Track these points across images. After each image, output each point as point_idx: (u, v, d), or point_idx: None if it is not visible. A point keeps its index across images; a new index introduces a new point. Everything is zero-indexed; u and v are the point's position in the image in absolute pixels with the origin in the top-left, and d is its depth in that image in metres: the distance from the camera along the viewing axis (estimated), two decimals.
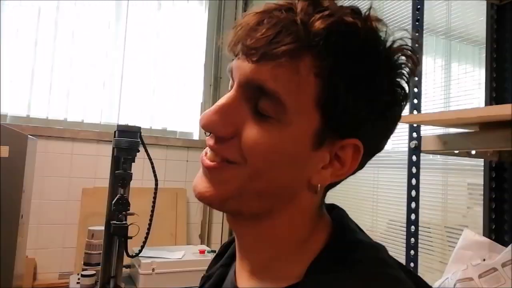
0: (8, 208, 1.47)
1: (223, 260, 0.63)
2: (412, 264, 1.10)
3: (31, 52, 2.61)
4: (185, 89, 3.12)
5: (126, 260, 1.78)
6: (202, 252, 1.90)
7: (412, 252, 1.10)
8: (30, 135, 1.80)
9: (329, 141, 0.45)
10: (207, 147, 0.49)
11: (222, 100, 0.45)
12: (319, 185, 0.47)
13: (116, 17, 2.88)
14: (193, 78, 3.17)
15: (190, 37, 3.15)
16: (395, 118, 0.48)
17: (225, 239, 2.93)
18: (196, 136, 3.13)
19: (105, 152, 2.70)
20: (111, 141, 2.75)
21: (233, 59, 0.47)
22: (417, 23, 1.35)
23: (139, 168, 1.79)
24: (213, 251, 1.96)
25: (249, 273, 0.51)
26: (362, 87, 0.43)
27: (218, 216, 3.02)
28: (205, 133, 0.49)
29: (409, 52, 0.45)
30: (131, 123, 2.66)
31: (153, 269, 1.71)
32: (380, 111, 0.45)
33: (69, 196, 2.55)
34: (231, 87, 0.47)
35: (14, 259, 1.46)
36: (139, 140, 1.82)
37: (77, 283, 1.73)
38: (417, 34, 1.34)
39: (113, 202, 1.73)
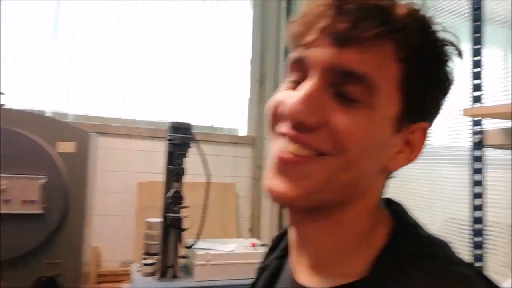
0: (76, 200, 1.59)
1: (278, 252, 0.63)
2: (478, 264, 1.06)
3: (89, 55, 2.78)
4: (232, 86, 3.18)
5: (182, 251, 1.87)
6: (253, 245, 1.95)
7: (477, 251, 1.06)
8: (91, 132, 1.93)
9: (405, 125, 0.45)
10: (281, 141, 0.45)
11: (305, 89, 0.43)
12: (392, 171, 0.47)
13: (165, 17, 2.99)
14: (239, 75, 3.22)
15: (236, 34, 3.20)
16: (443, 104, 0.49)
17: (275, 232, 2.97)
18: (242, 132, 3.19)
19: (158, 148, 2.81)
20: (164, 138, 2.87)
21: (296, 50, 0.46)
22: (476, 12, 1.29)
23: (189, 163, 1.86)
24: (264, 245, 2.00)
25: (309, 268, 0.50)
26: (434, 72, 0.45)
27: (267, 210, 3.06)
28: (272, 127, 0.46)
29: (450, 43, 0.46)
30: (181, 120, 2.76)
31: (207, 260, 1.77)
32: (442, 95, 0.47)
33: (126, 189, 2.70)
34: (298, 78, 0.46)
35: (83, 248, 1.57)
36: (191, 136, 1.90)
37: (139, 271, 1.85)
38: (476, 23, 1.29)
39: (168, 195, 1.82)
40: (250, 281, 2.05)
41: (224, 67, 3.14)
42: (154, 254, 1.89)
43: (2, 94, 1.50)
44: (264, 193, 0.45)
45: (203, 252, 1.80)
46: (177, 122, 1.87)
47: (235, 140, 3.10)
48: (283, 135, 0.45)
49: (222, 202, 2.87)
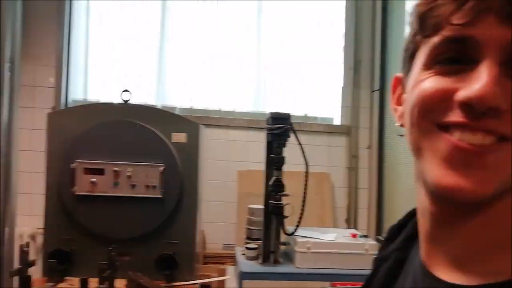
0: (189, 187, 1.73)
1: (397, 244, 0.60)
2: None
3: (191, 52, 2.98)
4: (325, 74, 3.14)
5: (282, 238, 1.93)
6: (354, 236, 1.93)
7: None
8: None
9: None
10: (456, 131, 0.41)
11: (487, 72, 0.39)
12: None
13: (258, 10, 3.06)
14: (332, 62, 3.16)
15: (328, 21, 3.14)
16: None
17: (372, 224, 2.89)
18: (336, 121, 3.14)
19: (255, 138, 2.92)
20: (260, 128, 2.95)
21: (444, 30, 0.42)
22: None
23: (285, 152, 1.89)
24: (365, 236, 1.97)
25: (451, 262, 0.47)
26: None
27: (364, 201, 2.99)
28: (430, 117, 0.43)
29: None
30: (276, 110, 2.82)
31: (308, 248, 1.80)
32: None
33: (227, 177, 2.86)
34: (455, 60, 0.42)
35: (196, 230, 1.72)
36: (290, 125, 1.93)
37: (242, 254, 1.96)
38: None
39: (270, 183, 1.88)
40: (350, 272, 2.04)
41: (317, 55, 3.11)
42: (256, 239, 1.98)
43: (127, 91, 1.70)
44: (435, 190, 0.43)
45: (304, 239, 1.84)
46: (276, 113, 1.92)
47: (330, 129, 3.06)
48: (454, 124, 0.41)
49: (317, 192, 2.88)
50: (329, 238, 1.88)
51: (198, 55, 3.00)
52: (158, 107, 2.77)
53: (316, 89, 3.12)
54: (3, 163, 2.47)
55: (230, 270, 2.26)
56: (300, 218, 1.89)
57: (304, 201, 1.93)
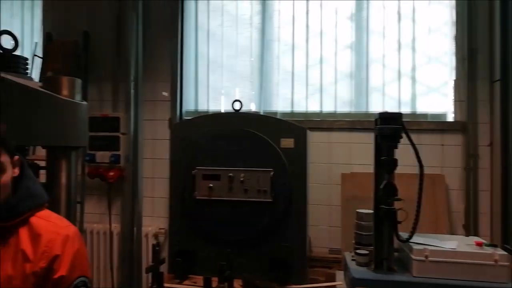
0: (297, 191, 1.76)
1: None
2: None
3: (290, 55, 3.03)
4: (433, 66, 2.90)
5: (395, 244, 1.83)
6: (479, 244, 1.75)
7: None
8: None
9: None
10: None
11: None
12: None
13: (357, 7, 2.98)
14: (442, 53, 2.91)
15: (436, 10, 2.90)
16: None
17: (497, 231, 2.58)
18: (449, 117, 2.88)
19: (359, 139, 2.84)
20: (364, 129, 2.87)
21: None
22: None
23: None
24: (493, 245, 1.77)
25: None
26: None
27: (484, 205, 2.70)
28: None
29: None
30: (378, 110, 2.71)
31: (426, 256, 1.69)
32: None
33: (330, 180, 2.84)
34: None
35: (306, 233, 1.74)
36: (401, 126, 1.83)
37: (352, 260, 1.92)
38: None
39: (380, 187, 1.81)
40: (477, 284, 1.85)
41: (423, 47, 2.89)
42: (366, 245, 1.93)
43: (238, 101, 1.80)
44: None
45: (421, 247, 1.73)
46: (385, 113, 1.85)
47: (442, 127, 2.83)
48: None
49: (430, 195, 2.67)
50: (450, 246, 1.73)
51: (297, 57, 3.03)
52: (263, 114, 2.87)
53: (425, 84, 2.90)
54: (131, 170, 2.82)
55: (339, 275, 2.23)
56: (415, 223, 1.79)
57: (419, 205, 1.81)
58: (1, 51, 1.45)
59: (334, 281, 2.22)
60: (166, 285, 1.77)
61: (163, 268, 2.04)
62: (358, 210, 2.01)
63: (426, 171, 2.67)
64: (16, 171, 1.10)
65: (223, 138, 1.79)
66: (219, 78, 3.15)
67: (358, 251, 1.88)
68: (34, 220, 1.10)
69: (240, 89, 3.11)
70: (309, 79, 3.02)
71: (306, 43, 3.03)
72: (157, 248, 1.79)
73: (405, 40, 2.92)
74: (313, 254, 2.71)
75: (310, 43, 3.02)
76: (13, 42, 1.46)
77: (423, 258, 1.70)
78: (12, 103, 1.34)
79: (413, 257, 1.72)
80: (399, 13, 2.92)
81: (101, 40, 3.14)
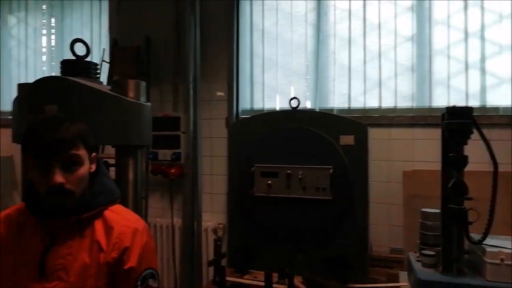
0: (358, 189, 1.72)
1: None
2: None
3: (346, 51, 2.96)
4: (505, 56, 2.67)
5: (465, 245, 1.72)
6: None
7: None
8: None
9: None
10: None
11: None
12: None
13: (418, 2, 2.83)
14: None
15: None
16: None
17: None
18: None
19: (421, 136, 2.71)
20: (426, 124, 2.73)
21: None
22: None
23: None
24: None
25: None
26: None
27: None
28: None
29: None
30: (442, 104, 2.57)
31: (501, 260, 1.57)
32: None
33: (390, 178, 2.73)
34: None
35: (368, 232, 1.69)
36: (471, 121, 1.72)
37: (417, 260, 1.83)
38: None
39: (449, 185, 1.71)
40: None
41: (489, 33, 2.67)
42: (432, 245, 1.83)
43: (296, 98, 1.79)
44: None
45: (495, 249, 1.61)
46: (454, 107, 1.74)
47: None
48: None
49: (503, 194, 2.47)
50: None
51: (353, 52, 2.95)
52: (320, 111, 2.84)
53: (495, 75, 2.69)
54: (191, 167, 2.93)
55: (402, 276, 2.14)
56: (489, 224, 1.66)
57: (493, 205, 1.69)
58: (75, 58, 1.57)
59: (396, 281, 2.14)
60: (227, 278, 1.82)
61: (223, 262, 2.10)
62: (423, 209, 1.91)
63: (499, 168, 2.50)
64: (93, 167, 1.19)
65: (281, 136, 1.79)
66: (274, 76, 3.15)
67: (424, 251, 1.79)
68: (107, 213, 1.18)
69: (295, 87, 3.09)
70: (367, 74, 2.93)
71: (363, 37, 2.94)
72: (218, 242, 1.84)
73: (472, 29, 2.72)
74: (373, 254, 2.62)
75: (367, 36, 2.93)
76: (84, 49, 1.58)
77: (498, 261, 1.58)
78: (85, 105, 1.45)
79: (487, 260, 1.60)
80: (465, 1, 2.73)
81: (161, 43, 3.28)
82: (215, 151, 3.13)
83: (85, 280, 1.09)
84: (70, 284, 1.08)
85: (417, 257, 1.86)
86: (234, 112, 3.13)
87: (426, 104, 2.81)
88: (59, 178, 1.07)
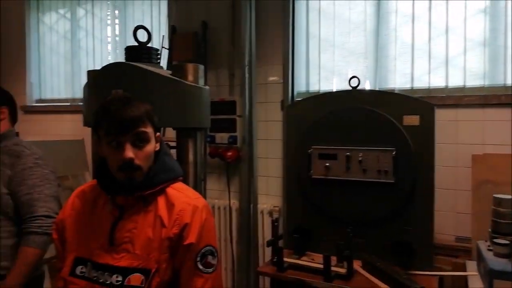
0: (423, 172, 1.63)
1: None
2: None
3: (409, 28, 2.78)
4: None
5: None
6: None
7: None
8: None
9: None
10: None
11: None
12: None
13: None
14: None
15: None
16: None
17: None
18: None
19: (493, 117, 2.50)
20: (499, 104, 2.51)
21: None
22: None
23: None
24: None
25: None
26: None
27: None
28: None
29: None
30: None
31: None
32: None
33: (458, 162, 2.55)
34: None
35: (432, 218, 1.61)
36: None
37: (488, 250, 1.71)
38: None
39: None
40: None
41: None
42: (505, 234, 1.70)
43: (356, 77, 1.72)
44: None
45: None
46: None
47: None
48: None
49: None
50: None
51: (417, 29, 2.77)
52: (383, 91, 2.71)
53: None
54: (247, 150, 2.96)
55: (470, 266, 2.02)
56: None
57: None
58: (138, 44, 1.64)
59: (463, 270, 2.02)
60: (285, 259, 1.83)
61: (280, 244, 2.11)
62: (495, 195, 1.78)
63: None
64: (158, 146, 1.24)
65: (340, 116, 1.73)
66: (331, 57, 3.06)
67: (496, 240, 1.67)
68: (169, 191, 1.23)
69: (353, 68, 2.98)
70: (432, 52, 2.73)
71: (428, 11, 2.74)
72: (276, 223, 1.85)
73: None
74: (437, 241, 2.50)
75: (433, 11, 2.73)
76: (146, 35, 1.64)
77: None
78: (148, 89, 1.51)
79: None
80: None
81: (217, 28, 3.31)
82: (270, 134, 3.14)
83: (149, 253, 1.15)
84: (135, 256, 1.14)
85: (488, 246, 1.74)
86: (290, 95, 3.10)
87: (500, 82, 2.57)
88: (129, 153, 1.13)
